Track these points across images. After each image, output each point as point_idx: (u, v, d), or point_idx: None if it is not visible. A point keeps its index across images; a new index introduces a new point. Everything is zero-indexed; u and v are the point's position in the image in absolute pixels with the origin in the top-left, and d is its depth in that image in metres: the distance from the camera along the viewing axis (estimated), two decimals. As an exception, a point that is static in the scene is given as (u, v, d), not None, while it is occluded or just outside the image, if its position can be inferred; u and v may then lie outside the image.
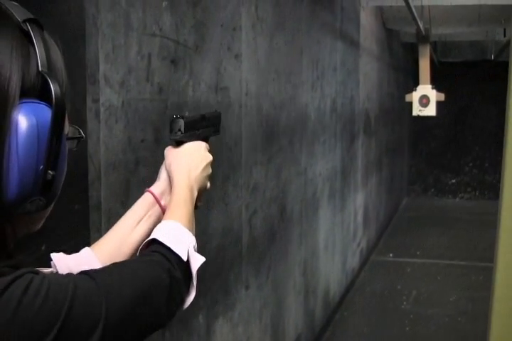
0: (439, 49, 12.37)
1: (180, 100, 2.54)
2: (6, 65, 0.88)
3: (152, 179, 2.30)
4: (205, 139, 1.49)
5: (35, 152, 0.90)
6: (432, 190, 13.42)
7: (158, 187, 1.41)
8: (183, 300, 1.13)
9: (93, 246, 1.34)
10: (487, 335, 1.50)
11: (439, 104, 8.42)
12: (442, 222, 10.51)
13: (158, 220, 1.31)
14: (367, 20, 7.31)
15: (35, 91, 0.92)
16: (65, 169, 0.97)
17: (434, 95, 8.28)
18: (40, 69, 0.92)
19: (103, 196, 2.06)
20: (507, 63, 2.10)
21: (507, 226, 1.34)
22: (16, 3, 0.95)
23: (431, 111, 8.34)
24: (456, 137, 13.16)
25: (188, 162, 1.39)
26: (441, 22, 8.22)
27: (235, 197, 3.22)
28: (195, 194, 1.37)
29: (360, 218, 7.33)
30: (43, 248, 1.34)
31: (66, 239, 1.57)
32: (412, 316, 6.06)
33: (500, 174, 1.29)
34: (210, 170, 1.44)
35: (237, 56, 3.17)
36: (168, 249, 1.13)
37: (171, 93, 2.47)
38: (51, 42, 0.98)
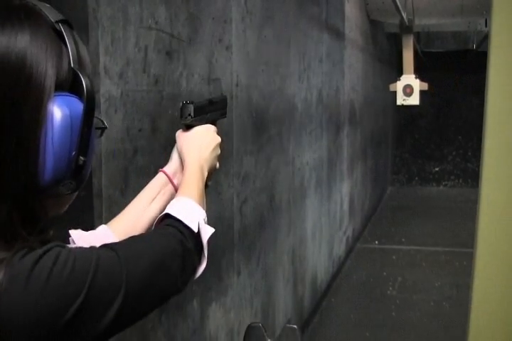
0: (423, 39, 12.48)
1: (174, 91, 2.62)
2: (42, 63, 0.98)
3: (149, 167, 2.39)
4: (213, 122, 1.58)
5: (68, 139, 1.00)
6: (416, 178, 13.56)
7: (170, 167, 1.50)
8: (195, 269, 1.23)
9: (109, 223, 1.43)
10: (467, 321, 1.58)
11: (422, 94, 8.53)
12: (426, 210, 10.65)
13: (171, 198, 1.40)
14: (352, 12, 7.39)
15: (67, 85, 1.02)
16: (93, 156, 1.08)
17: (417, 84, 8.40)
18: (72, 65, 1.02)
19: (103, 184, 2.14)
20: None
21: (485, 212, 1.43)
22: (48, 5, 1.05)
23: (415, 100, 8.45)
24: (440, 127, 13.29)
25: (198, 144, 1.48)
26: (425, 13, 8.32)
27: (227, 186, 3.30)
28: (206, 173, 1.46)
29: (346, 207, 7.44)
30: (51, 232, 1.42)
31: (72, 224, 1.65)
32: (398, 302, 6.19)
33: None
34: (218, 151, 1.53)
35: (227, 48, 3.25)
36: (181, 222, 1.23)
37: (167, 84, 2.55)
38: (79, 41, 1.08)
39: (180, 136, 1.52)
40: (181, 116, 1.50)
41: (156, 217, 1.35)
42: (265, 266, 4.06)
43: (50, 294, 0.92)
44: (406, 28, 8.20)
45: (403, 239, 8.57)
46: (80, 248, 1.03)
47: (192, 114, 1.49)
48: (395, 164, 13.50)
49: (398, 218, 9.96)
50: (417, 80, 8.42)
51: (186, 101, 1.50)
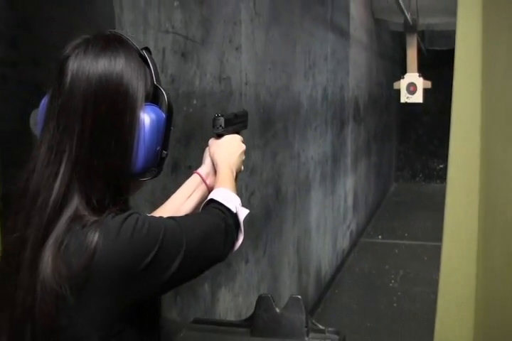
0: (427, 37, 12.62)
1: (189, 89, 2.83)
2: (135, 80, 1.29)
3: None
4: (237, 132, 1.81)
5: (155, 137, 1.31)
6: (420, 175, 13.73)
7: (203, 169, 1.75)
8: (234, 243, 1.49)
9: (152, 214, 1.66)
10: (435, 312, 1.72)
11: (425, 91, 8.69)
12: (429, 206, 10.80)
13: (204, 195, 1.67)
14: (356, 11, 7.58)
15: (150, 97, 1.34)
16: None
17: (421, 83, 8.54)
18: (154, 82, 1.34)
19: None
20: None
21: (452, 208, 1.59)
22: (132, 35, 1.36)
23: (418, 98, 8.59)
24: (443, 124, 13.42)
25: (228, 150, 1.74)
26: (429, 12, 8.48)
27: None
28: (235, 174, 1.72)
29: (350, 201, 7.64)
30: (129, 204, 1.64)
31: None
32: (399, 293, 6.39)
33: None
34: (243, 157, 1.79)
35: (237, 48, 3.45)
36: (222, 204, 1.50)
37: (182, 83, 2.75)
38: (155, 62, 1.37)
39: (213, 143, 1.77)
40: (213, 127, 1.76)
41: (191, 211, 1.65)
42: (271, 255, 4.27)
43: (133, 245, 1.21)
44: (410, 28, 8.34)
45: (406, 234, 8.76)
46: (152, 216, 1.33)
47: (222, 125, 1.74)
48: (399, 160, 13.67)
49: (401, 213, 10.15)
50: (421, 78, 8.55)
51: (218, 115, 1.75)
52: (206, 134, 2.88)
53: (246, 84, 3.59)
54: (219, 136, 1.76)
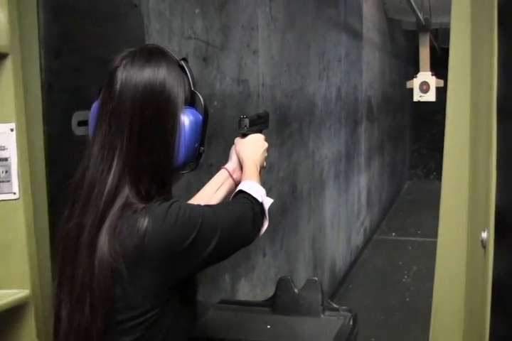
0: (440, 36, 12.73)
1: (210, 92, 3.02)
2: (175, 87, 1.49)
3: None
4: (260, 131, 1.99)
5: (194, 136, 1.52)
6: (434, 173, 13.84)
7: (230, 165, 1.93)
8: (260, 228, 1.68)
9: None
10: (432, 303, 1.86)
11: (438, 89, 8.79)
12: (442, 204, 10.91)
13: (230, 189, 1.87)
14: (369, 12, 7.74)
15: (188, 101, 1.53)
16: None
17: (433, 81, 8.64)
18: (192, 88, 1.55)
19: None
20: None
21: (446, 204, 1.73)
22: (170, 48, 1.59)
23: (431, 96, 8.69)
24: (457, 122, 13.51)
25: (253, 148, 1.91)
26: (441, 11, 8.60)
27: (254, 176, 3.69)
28: (259, 169, 1.90)
29: (363, 199, 7.80)
30: (171, 194, 1.80)
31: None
32: (412, 288, 6.54)
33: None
34: (266, 154, 1.96)
35: (254, 52, 3.64)
36: (250, 195, 1.68)
37: (204, 86, 2.94)
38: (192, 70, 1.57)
39: (238, 141, 1.95)
40: (239, 127, 1.95)
41: (220, 202, 1.85)
42: (287, 249, 4.45)
43: (177, 229, 1.41)
44: (422, 27, 8.44)
45: (419, 231, 8.90)
46: (192, 204, 1.55)
47: (247, 126, 1.92)
48: (413, 159, 13.78)
49: (415, 211, 10.27)
50: (433, 77, 8.63)
51: (243, 116, 1.94)
52: (226, 134, 3.07)
53: (263, 86, 3.77)
54: (244, 135, 1.94)
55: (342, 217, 6.47)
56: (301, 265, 4.88)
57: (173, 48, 2.64)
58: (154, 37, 2.48)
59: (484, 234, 1.43)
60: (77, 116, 2.00)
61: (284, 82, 4.24)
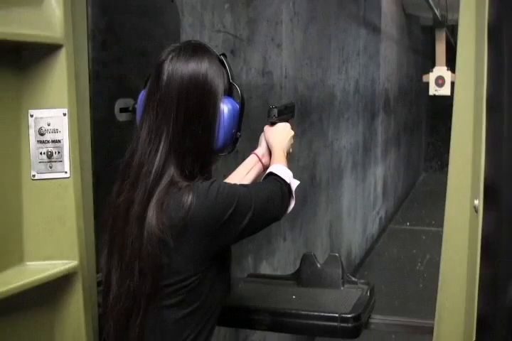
0: (456, 32, 12.77)
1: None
2: (216, 79, 1.65)
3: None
4: (287, 120, 2.15)
5: (232, 122, 1.68)
6: (449, 166, 13.91)
7: (260, 150, 2.07)
8: (287, 207, 1.82)
9: None
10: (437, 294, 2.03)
11: (453, 84, 8.86)
12: (457, 195, 11.03)
13: (259, 172, 2.02)
14: (388, 8, 7.88)
15: (226, 92, 1.69)
16: None
17: (449, 76, 8.73)
18: (230, 80, 1.71)
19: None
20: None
21: (452, 195, 1.87)
22: (210, 44, 1.76)
23: (446, 90, 8.79)
24: (473, 116, 13.57)
25: (281, 135, 2.06)
26: (457, 8, 8.69)
27: (276, 163, 3.87)
28: (285, 154, 2.04)
29: (379, 189, 7.96)
30: (212, 173, 1.95)
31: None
32: (425, 275, 6.70)
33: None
34: (292, 141, 2.11)
35: (278, 45, 3.81)
36: (279, 176, 1.83)
37: (231, 77, 3.12)
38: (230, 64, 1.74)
39: (268, 129, 2.09)
40: (268, 116, 2.10)
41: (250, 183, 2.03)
42: (306, 235, 4.63)
43: (218, 203, 1.57)
44: (439, 23, 8.55)
45: (433, 221, 9.04)
46: (229, 183, 1.69)
47: (276, 115, 2.06)
48: (428, 151, 13.89)
49: (429, 202, 10.39)
50: (449, 72, 8.72)
51: (272, 106, 2.09)
52: (251, 123, 3.24)
53: (286, 77, 3.95)
54: (272, 123, 2.09)
55: (358, 206, 6.63)
56: (319, 251, 5.05)
57: (204, 40, 2.81)
58: (187, 30, 2.66)
59: (476, 202, 1.63)
60: (119, 103, 2.19)
61: (306, 74, 4.41)
